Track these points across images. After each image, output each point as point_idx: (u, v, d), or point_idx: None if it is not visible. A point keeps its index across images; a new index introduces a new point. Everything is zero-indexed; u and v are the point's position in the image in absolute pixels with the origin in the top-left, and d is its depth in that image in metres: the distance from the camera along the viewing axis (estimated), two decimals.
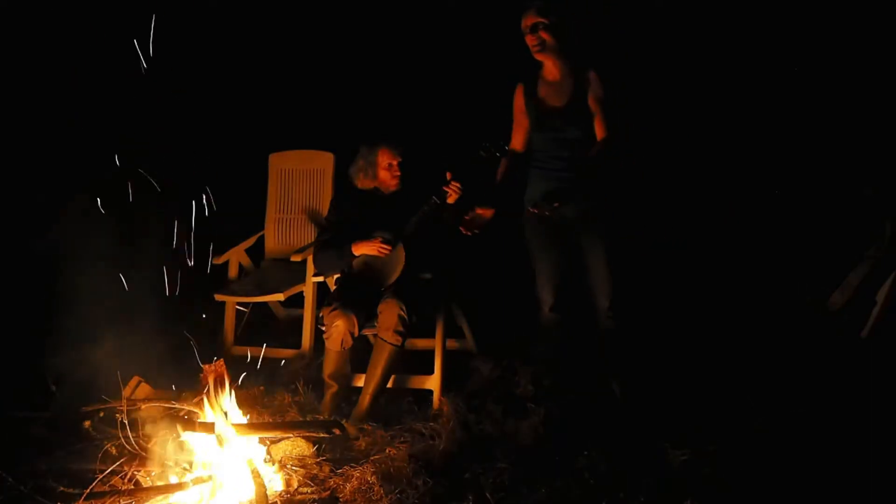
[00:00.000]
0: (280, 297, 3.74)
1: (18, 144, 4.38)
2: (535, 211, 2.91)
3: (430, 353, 3.26)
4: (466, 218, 3.05)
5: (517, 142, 3.12)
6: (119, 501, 2.32)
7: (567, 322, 3.09)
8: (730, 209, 4.10)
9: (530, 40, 2.89)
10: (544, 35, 2.86)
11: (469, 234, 3.04)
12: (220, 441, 2.51)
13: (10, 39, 4.37)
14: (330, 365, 3.16)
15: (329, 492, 2.55)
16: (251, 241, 4.12)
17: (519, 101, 3.08)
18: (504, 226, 3.19)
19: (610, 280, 2.99)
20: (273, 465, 2.65)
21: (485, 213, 3.04)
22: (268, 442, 2.74)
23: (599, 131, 2.94)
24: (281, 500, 2.50)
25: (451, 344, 3.48)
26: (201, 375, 3.32)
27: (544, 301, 3.06)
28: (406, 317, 3.03)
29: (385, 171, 3.30)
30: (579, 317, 3.11)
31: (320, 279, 3.65)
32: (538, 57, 2.94)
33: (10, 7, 4.39)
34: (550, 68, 2.98)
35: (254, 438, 2.67)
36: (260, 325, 4.12)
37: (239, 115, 4.61)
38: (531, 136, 3.07)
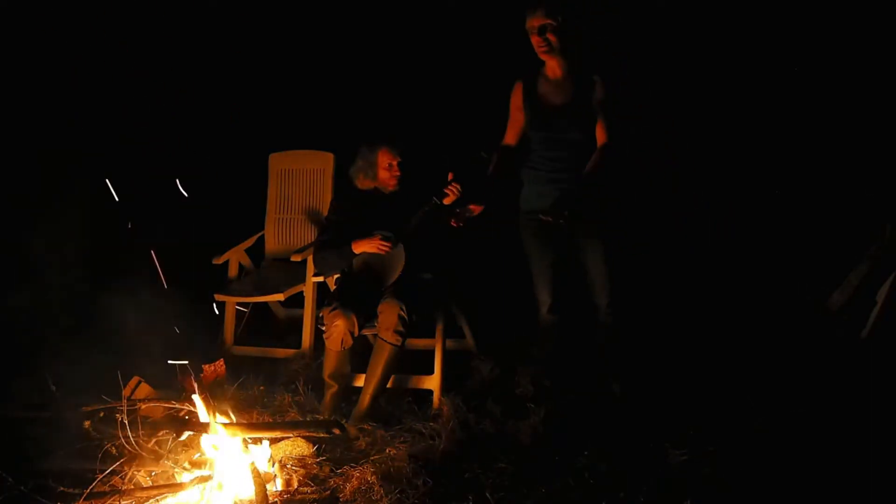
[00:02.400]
0: (280, 297, 3.74)
1: (18, 146, 4.39)
2: (549, 220, 2.85)
3: (430, 353, 3.26)
4: (457, 211, 3.08)
5: (511, 138, 3.11)
6: (119, 501, 2.32)
7: (565, 322, 3.09)
8: (730, 209, 4.09)
9: (536, 41, 2.87)
10: (551, 37, 2.84)
11: (456, 226, 3.06)
12: (221, 442, 2.52)
13: (9, 40, 4.38)
14: (330, 365, 3.16)
15: (329, 492, 2.55)
16: (251, 241, 4.12)
17: (517, 97, 3.06)
18: (503, 226, 3.20)
19: (609, 278, 2.99)
20: (273, 464, 2.64)
21: (475, 208, 3.06)
22: (267, 441, 2.73)
23: (600, 136, 2.92)
24: (281, 500, 2.50)
25: (451, 344, 3.47)
26: (201, 375, 3.34)
27: (542, 302, 3.06)
28: (406, 317, 3.03)
29: (385, 171, 3.30)
30: (579, 316, 3.11)
31: (320, 279, 3.65)
32: (543, 57, 2.92)
33: (10, 7, 4.39)
34: (553, 67, 2.96)
35: (253, 438, 2.68)
36: (260, 325, 4.13)
37: (239, 115, 4.61)
38: (527, 135, 3.06)
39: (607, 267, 2.99)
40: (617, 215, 3.03)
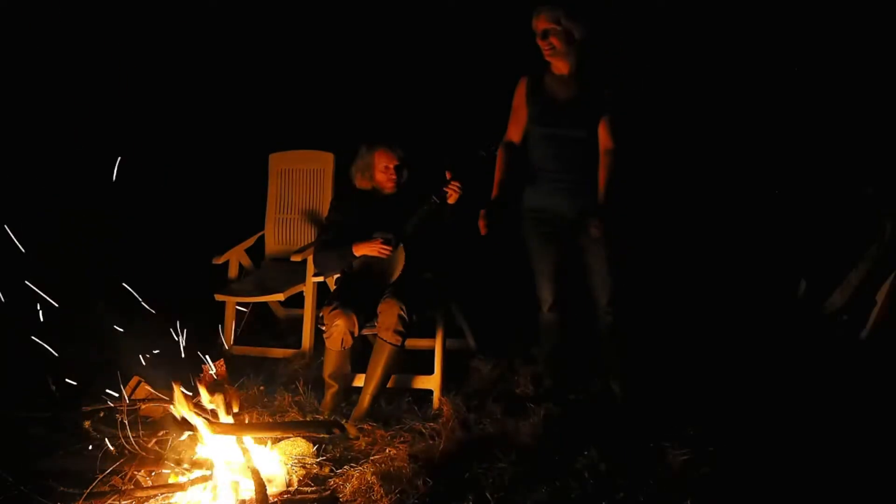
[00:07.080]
0: (280, 297, 3.74)
1: (23, 147, 4.39)
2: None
3: (430, 353, 3.26)
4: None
5: (515, 134, 3.06)
6: (119, 501, 2.32)
7: (567, 321, 3.08)
8: (730, 208, 4.10)
9: (541, 44, 2.86)
10: (555, 41, 2.82)
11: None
12: (220, 442, 2.51)
13: (9, 40, 4.38)
14: (330, 365, 3.16)
15: (329, 492, 2.55)
16: (251, 241, 4.11)
17: (521, 92, 3.01)
18: (503, 225, 3.19)
19: (610, 278, 2.98)
20: (285, 465, 2.64)
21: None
22: (268, 442, 2.74)
23: (604, 138, 2.89)
24: (281, 500, 2.50)
25: (451, 344, 3.47)
26: (201, 375, 3.34)
27: (543, 300, 3.06)
28: (406, 317, 3.03)
29: (381, 172, 3.30)
30: (579, 316, 3.11)
31: (320, 279, 3.65)
32: (549, 59, 2.90)
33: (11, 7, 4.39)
34: (560, 66, 2.93)
35: (253, 438, 2.67)
36: (260, 325, 4.13)
37: (239, 115, 4.61)
38: (529, 132, 3.02)
39: (608, 267, 2.98)
40: (620, 218, 3.01)
